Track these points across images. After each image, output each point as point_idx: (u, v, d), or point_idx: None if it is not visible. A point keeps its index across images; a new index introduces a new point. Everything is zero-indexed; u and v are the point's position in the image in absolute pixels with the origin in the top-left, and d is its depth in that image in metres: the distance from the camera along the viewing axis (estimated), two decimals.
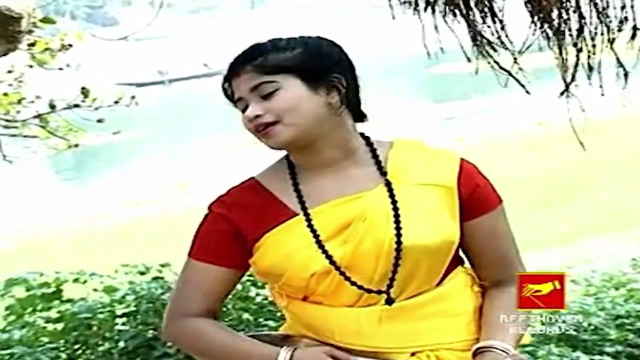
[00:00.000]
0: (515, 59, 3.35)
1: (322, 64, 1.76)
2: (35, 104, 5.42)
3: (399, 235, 1.73)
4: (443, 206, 1.78)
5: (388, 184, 1.78)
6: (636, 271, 6.08)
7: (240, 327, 4.25)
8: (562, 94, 3.42)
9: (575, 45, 3.31)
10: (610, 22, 3.27)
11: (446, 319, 1.79)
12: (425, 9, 3.30)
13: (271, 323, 4.30)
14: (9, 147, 5.39)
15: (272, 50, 1.76)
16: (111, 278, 4.83)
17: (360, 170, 1.79)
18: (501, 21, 3.33)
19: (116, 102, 5.25)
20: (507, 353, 1.73)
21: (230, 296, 1.90)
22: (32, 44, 4.99)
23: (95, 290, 4.77)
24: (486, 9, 3.32)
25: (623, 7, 3.26)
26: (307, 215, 1.75)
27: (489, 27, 3.34)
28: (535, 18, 3.27)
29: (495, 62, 3.38)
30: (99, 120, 5.23)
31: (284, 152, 1.84)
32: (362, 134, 1.84)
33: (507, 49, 3.36)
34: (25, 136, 5.40)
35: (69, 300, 4.64)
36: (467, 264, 1.88)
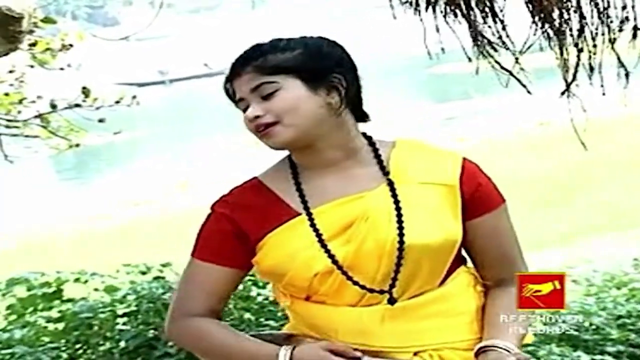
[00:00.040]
0: (516, 59, 3.35)
1: (322, 64, 1.76)
2: (36, 104, 5.43)
3: (401, 234, 1.74)
4: (445, 205, 1.78)
5: (390, 184, 1.78)
6: (638, 271, 6.08)
7: (242, 326, 4.25)
8: (563, 93, 3.42)
9: (576, 45, 3.30)
10: (611, 22, 3.27)
11: (449, 318, 1.79)
12: (426, 9, 3.30)
13: (272, 323, 4.31)
14: (10, 147, 5.39)
15: (273, 50, 1.76)
16: (112, 278, 4.83)
17: (363, 170, 1.79)
18: (502, 21, 3.33)
19: (117, 102, 5.25)
20: (509, 352, 1.73)
21: (231, 296, 1.90)
22: (33, 44, 4.99)
23: (96, 290, 4.77)
24: (487, 9, 3.32)
25: (624, 7, 3.26)
26: (309, 214, 1.76)
27: (489, 27, 3.34)
28: (536, 18, 3.27)
29: (496, 62, 3.38)
30: (100, 120, 5.24)
31: (285, 152, 1.84)
32: (364, 134, 1.84)
33: (508, 49, 3.36)
34: (27, 136, 5.40)
35: (70, 300, 4.65)
36: (469, 263, 1.88)
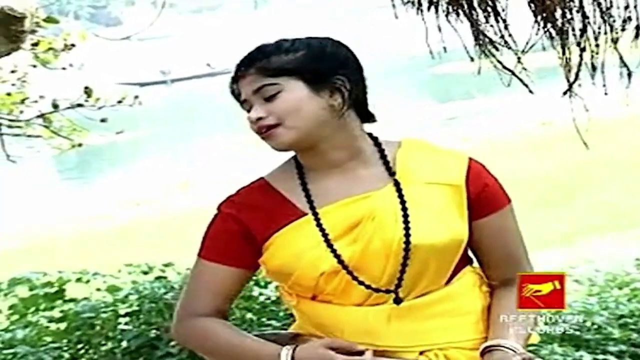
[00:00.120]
0: (518, 58, 3.35)
1: (325, 65, 1.75)
2: (38, 104, 5.43)
3: (407, 234, 1.74)
4: (451, 205, 1.78)
5: (396, 184, 1.78)
6: (639, 271, 6.08)
7: (244, 326, 4.25)
8: (565, 93, 3.41)
9: (578, 44, 3.30)
10: (614, 21, 3.27)
11: (454, 318, 1.79)
12: (429, 8, 3.29)
13: (274, 323, 4.31)
14: (13, 147, 5.39)
15: (276, 52, 1.76)
16: (114, 278, 4.83)
17: (369, 170, 1.79)
18: (504, 20, 3.33)
19: (119, 102, 5.26)
20: (515, 351, 1.73)
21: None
22: (36, 44, 4.99)
23: (98, 289, 4.77)
24: (489, 9, 3.32)
25: (627, 7, 3.26)
26: (315, 215, 1.76)
27: (492, 26, 3.34)
28: (539, 17, 3.27)
29: (499, 61, 3.37)
30: (102, 120, 5.24)
31: (289, 153, 1.84)
32: (370, 134, 1.84)
33: (510, 48, 3.36)
34: (29, 136, 5.40)
35: (72, 300, 4.64)
36: (475, 263, 1.88)
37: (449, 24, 3.30)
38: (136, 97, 5.37)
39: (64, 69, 5.24)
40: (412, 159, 1.81)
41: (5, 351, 4.29)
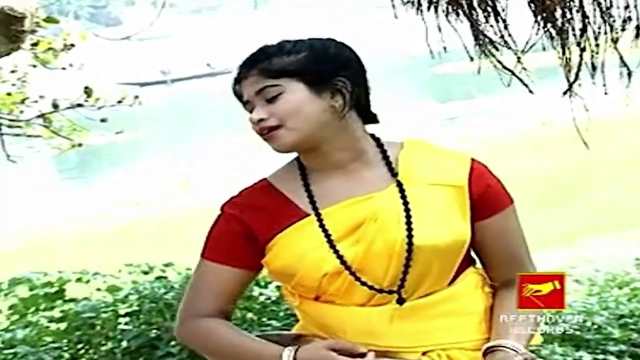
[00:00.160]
0: (518, 58, 3.35)
1: (326, 67, 1.75)
2: (38, 104, 5.43)
3: (410, 235, 1.74)
4: (454, 206, 1.78)
5: (399, 185, 1.78)
6: (639, 271, 6.08)
7: (244, 326, 4.26)
8: (565, 93, 3.41)
9: (578, 44, 3.30)
10: (614, 21, 3.27)
11: (457, 318, 1.79)
12: (428, 8, 3.29)
13: (274, 323, 4.31)
14: (13, 147, 5.39)
15: (278, 53, 1.76)
16: (114, 277, 4.83)
17: (371, 171, 1.80)
18: (504, 20, 3.33)
19: (119, 102, 5.25)
20: (517, 352, 1.73)
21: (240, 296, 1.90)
22: (35, 44, 4.99)
23: (98, 289, 4.77)
24: (489, 9, 3.32)
25: (627, 7, 3.26)
26: (318, 215, 1.76)
27: (491, 26, 3.33)
28: (539, 17, 3.26)
29: (499, 61, 3.37)
30: (102, 120, 5.24)
31: (291, 155, 1.84)
32: (372, 135, 1.84)
33: (510, 48, 3.36)
34: (29, 136, 5.40)
35: (72, 300, 4.64)
36: (479, 264, 1.88)
37: (449, 24, 3.30)
38: (136, 97, 5.37)
39: (63, 69, 5.24)
40: (414, 160, 1.81)
41: (5, 351, 4.29)
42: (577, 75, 3.37)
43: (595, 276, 5.82)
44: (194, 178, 15.43)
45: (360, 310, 1.76)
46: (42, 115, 5.29)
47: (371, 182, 1.78)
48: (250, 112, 1.78)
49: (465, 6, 3.28)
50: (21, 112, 5.38)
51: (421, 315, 1.77)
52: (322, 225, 1.75)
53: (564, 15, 3.25)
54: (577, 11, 3.26)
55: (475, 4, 3.29)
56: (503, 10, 3.32)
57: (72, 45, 5.15)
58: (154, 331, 4.35)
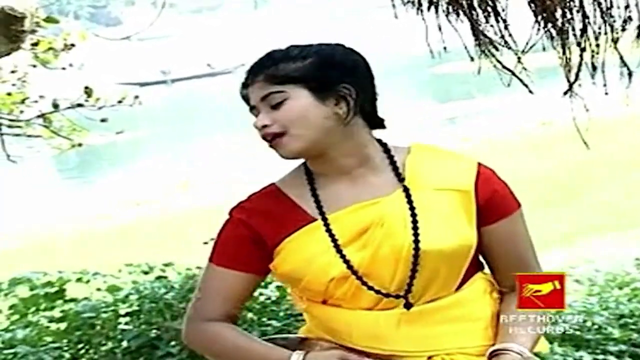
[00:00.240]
0: (518, 58, 3.35)
1: (331, 74, 1.75)
2: (38, 104, 5.43)
3: (416, 240, 1.74)
4: (460, 211, 1.78)
5: (406, 190, 1.78)
6: (639, 271, 6.08)
7: (244, 326, 4.26)
8: (565, 93, 3.41)
9: (578, 44, 3.30)
10: (614, 21, 3.27)
11: (463, 324, 1.79)
12: (429, 8, 3.29)
13: (274, 323, 4.31)
14: (13, 147, 5.39)
15: (284, 59, 1.76)
16: (114, 277, 4.83)
17: (378, 177, 1.80)
18: (504, 20, 3.33)
19: (119, 102, 5.26)
20: (522, 356, 1.74)
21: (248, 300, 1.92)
22: (36, 44, 4.99)
23: (98, 289, 4.77)
24: (489, 9, 3.32)
25: (627, 7, 3.26)
26: (325, 220, 1.77)
27: (492, 26, 3.33)
28: (539, 17, 3.26)
29: (499, 61, 3.37)
30: (103, 120, 5.24)
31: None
32: (379, 140, 1.84)
33: (510, 48, 3.36)
34: (29, 136, 5.40)
35: (72, 300, 4.64)
36: (487, 269, 1.88)
37: (449, 23, 3.30)
38: (136, 97, 5.37)
39: (64, 69, 5.24)
40: (421, 165, 1.82)
41: (5, 351, 4.29)
42: (577, 75, 3.37)
43: (596, 276, 5.83)
44: (194, 178, 15.43)
45: (368, 314, 1.77)
46: (42, 115, 5.29)
47: (377, 187, 1.79)
48: (257, 117, 1.78)
49: (466, 6, 3.28)
50: (21, 112, 5.38)
51: (428, 320, 1.77)
52: (328, 230, 1.76)
53: (564, 15, 3.25)
54: (578, 11, 3.26)
55: (475, 4, 3.28)
56: (503, 10, 3.31)
57: (72, 45, 5.15)
58: (154, 331, 4.35)
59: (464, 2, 3.26)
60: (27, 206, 14.75)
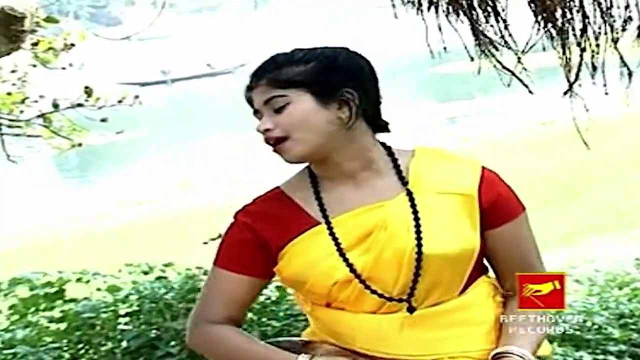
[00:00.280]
0: (518, 58, 3.34)
1: (333, 78, 1.75)
2: (38, 104, 5.44)
3: (419, 244, 1.75)
4: (463, 215, 1.78)
5: (409, 193, 1.78)
6: (639, 271, 6.08)
7: (244, 326, 4.25)
8: (565, 93, 3.41)
9: (579, 44, 3.30)
10: (614, 21, 3.26)
11: (467, 328, 1.79)
12: (428, 8, 3.29)
13: (274, 323, 4.31)
14: (13, 147, 5.39)
15: (287, 63, 1.76)
16: (114, 277, 4.83)
17: (382, 180, 1.80)
18: (504, 20, 3.33)
19: (119, 102, 5.26)
20: (523, 358, 1.74)
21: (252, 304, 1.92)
22: (36, 44, 4.99)
23: (98, 289, 4.77)
24: (489, 9, 3.32)
25: (627, 7, 3.26)
26: (328, 224, 1.77)
27: (492, 26, 3.33)
28: (539, 17, 3.26)
29: (499, 61, 3.37)
30: (103, 120, 5.24)
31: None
32: (383, 144, 1.84)
33: (510, 48, 3.36)
34: (29, 136, 5.40)
35: (72, 300, 4.64)
36: (491, 273, 1.88)
37: (449, 23, 3.29)
38: (136, 97, 5.38)
39: (64, 68, 5.24)
40: (425, 169, 1.82)
41: (5, 351, 4.29)
42: (577, 75, 3.36)
43: (596, 276, 5.83)
44: (194, 178, 15.44)
45: (371, 318, 1.77)
46: (42, 115, 5.29)
47: (381, 191, 1.79)
48: (260, 120, 1.78)
49: (466, 6, 3.28)
50: (21, 112, 5.38)
51: (431, 324, 1.77)
52: (332, 234, 1.77)
53: (564, 15, 3.25)
54: (578, 11, 3.26)
55: (475, 4, 3.28)
56: (503, 10, 3.31)
57: (72, 45, 5.15)
58: (154, 331, 4.35)
59: (464, 2, 3.26)
60: (27, 206, 14.75)
